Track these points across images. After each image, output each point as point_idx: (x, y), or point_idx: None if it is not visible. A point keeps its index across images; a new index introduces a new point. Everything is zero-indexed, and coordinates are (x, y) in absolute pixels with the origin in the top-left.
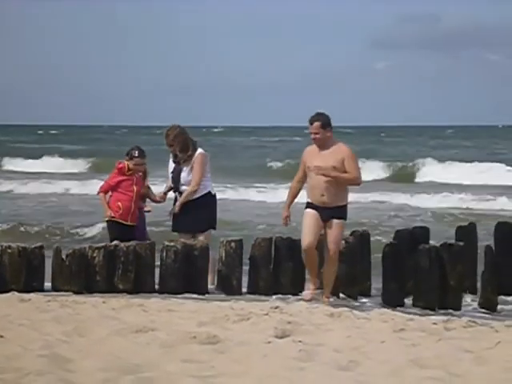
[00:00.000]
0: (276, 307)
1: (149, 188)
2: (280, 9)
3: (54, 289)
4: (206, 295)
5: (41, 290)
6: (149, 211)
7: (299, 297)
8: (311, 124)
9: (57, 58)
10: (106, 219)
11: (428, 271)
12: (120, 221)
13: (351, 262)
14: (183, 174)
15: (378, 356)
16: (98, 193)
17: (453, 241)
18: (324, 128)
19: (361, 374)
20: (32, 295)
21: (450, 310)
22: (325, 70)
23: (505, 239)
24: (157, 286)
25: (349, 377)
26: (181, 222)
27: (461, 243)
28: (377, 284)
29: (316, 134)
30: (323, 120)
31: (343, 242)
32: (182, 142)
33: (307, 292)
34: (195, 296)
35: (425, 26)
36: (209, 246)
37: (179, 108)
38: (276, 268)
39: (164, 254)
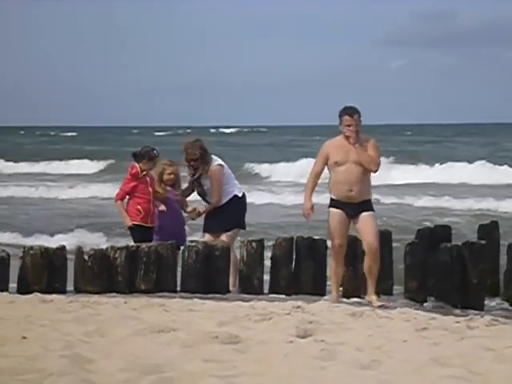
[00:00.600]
0: (298, 307)
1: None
2: (282, 8)
3: (76, 290)
4: (227, 295)
5: (63, 291)
6: (163, 211)
7: (323, 297)
8: (351, 116)
9: (56, 57)
10: (128, 225)
11: (449, 270)
12: (142, 224)
13: None
14: (207, 188)
15: (400, 355)
16: (116, 201)
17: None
18: (359, 121)
19: (382, 373)
20: (54, 296)
21: (472, 310)
22: (338, 68)
23: None
24: (178, 287)
25: (371, 376)
26: (208, 224)
27: (482, 241)
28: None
29: (356, 125)
30: (358, 112)
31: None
32: (204, 157)
33: (334, 297)
34: (216, 296)
35: (440, 24)
36: (230, 247)
37: (178, 108)
38: (297, 267)
39: (185, 254)
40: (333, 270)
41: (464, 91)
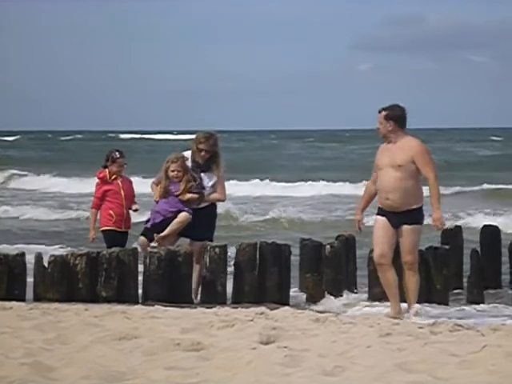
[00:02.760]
0: (261, 313)
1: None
2: (265, 10)
3: (36, 297)
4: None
5: (22, 298)
6: (136, 210)
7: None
8: (379, 113)
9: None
10: (101, 229)
11: None
12: (115, 229)
13: (336, 265)
14: (206, 182)
15: (364, 361)
16: (91, 208)
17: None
18: (387, 120)
19: (346, 379)
20: (13, 303)
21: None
22: (309, 72)
23: (490, 242)
24: (140, 293)
25: (334, 382)
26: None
27: (446, 246)
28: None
29: (380, 124)
30: (389, 111)
31: (328, 246)
32: (216, 152)
33: (396, 310)
34: (180, 303)
35: (409, 28)
36: (193, 253)
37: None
38: (261, 273)
39: (147, 260)
40: (382, 281)
41: (430, 95)
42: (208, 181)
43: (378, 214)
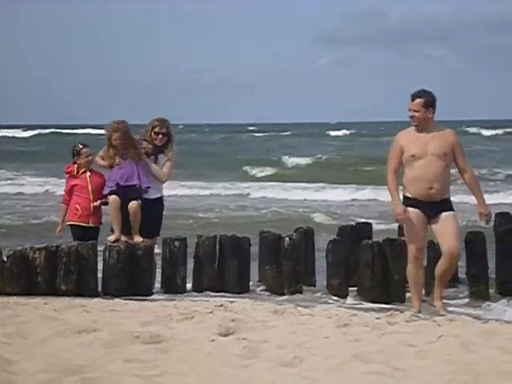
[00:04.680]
0: (220, 305)
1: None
2: (227, 6)
3: None
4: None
5: None
6: (101, 204)
7: (243, 294)
8: (412, 100)
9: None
10: (68, 223)
11: (371, 266)
12: (80, 223)
13: (295, 258)
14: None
15: (322, 352)
16: (61, 203)
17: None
18: (426, 107)
19: (304, 370)
20: None
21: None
22: (271, 66)
23: None
24: (100, 287)
25: (293, 373)
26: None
27: (404, 238)
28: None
29: (416, 111)
30: (426, 98)
31: (287, 238)
32: (171, 134)
33: (417, 308)
34: (139, 296)
35: (370, 23)
36: (153, 248)
37: (126, 105)
38: (221, 266)
39: (107, 254)
40: (413, 277)
41: (389, 89)
42: (162, 162)
43: (408, 205)
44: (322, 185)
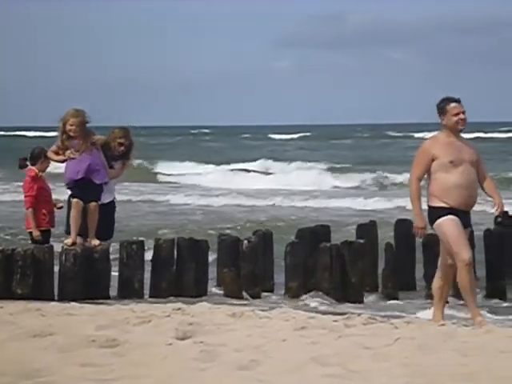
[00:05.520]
0: (178, 308)
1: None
2: (188, 8)
3: None
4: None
5: None
6: (61, 207)
7: (201, 298)
8: (459, 102)
9: None
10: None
11: (329, 269)
12: (45, 228)
13: (253, 260)
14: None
15: (279, 354)
16: (27, 208)
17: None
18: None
19: (261, 373)
20: None
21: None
22: (232, 68)
23: (404, 236)
24: (56, 290)
25: (249, 376)
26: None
27: (361, 241)
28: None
29: (463, 113)
30: None
31: (246, 241)
32: (132, 143)
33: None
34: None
35: (330, 26)
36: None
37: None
38: (179, 269)
39: (63, 257)
40: (469, 285)
41: (347, 91)
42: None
43: (447, 213)
44: None
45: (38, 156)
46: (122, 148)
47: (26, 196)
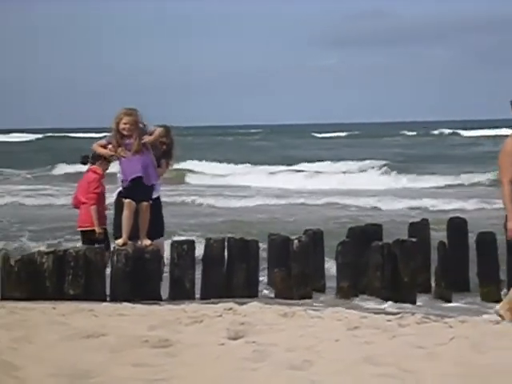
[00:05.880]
0: (229, 308)
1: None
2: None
3: (3, 296)
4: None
5: None
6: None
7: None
8: None
9: None
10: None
11: (381, 268)
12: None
13: (305, 260)
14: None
15: (331, 355)
16: (92, 205)
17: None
18: None
19: (314, 373)
20: None
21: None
22: (274, 68)
23: (457, 234)
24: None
25: (302, 376)
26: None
27: (413, 239)
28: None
29: None
30: None
31: (296, 241)
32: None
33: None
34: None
35: (370, 24)
36: (160, 251)
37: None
38: (229, 269)
39: (115, 258)
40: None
41: (391, 89)
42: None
43: None
44: None
45: (99, 157)
46: (164, 147)
47: (91, 193)
